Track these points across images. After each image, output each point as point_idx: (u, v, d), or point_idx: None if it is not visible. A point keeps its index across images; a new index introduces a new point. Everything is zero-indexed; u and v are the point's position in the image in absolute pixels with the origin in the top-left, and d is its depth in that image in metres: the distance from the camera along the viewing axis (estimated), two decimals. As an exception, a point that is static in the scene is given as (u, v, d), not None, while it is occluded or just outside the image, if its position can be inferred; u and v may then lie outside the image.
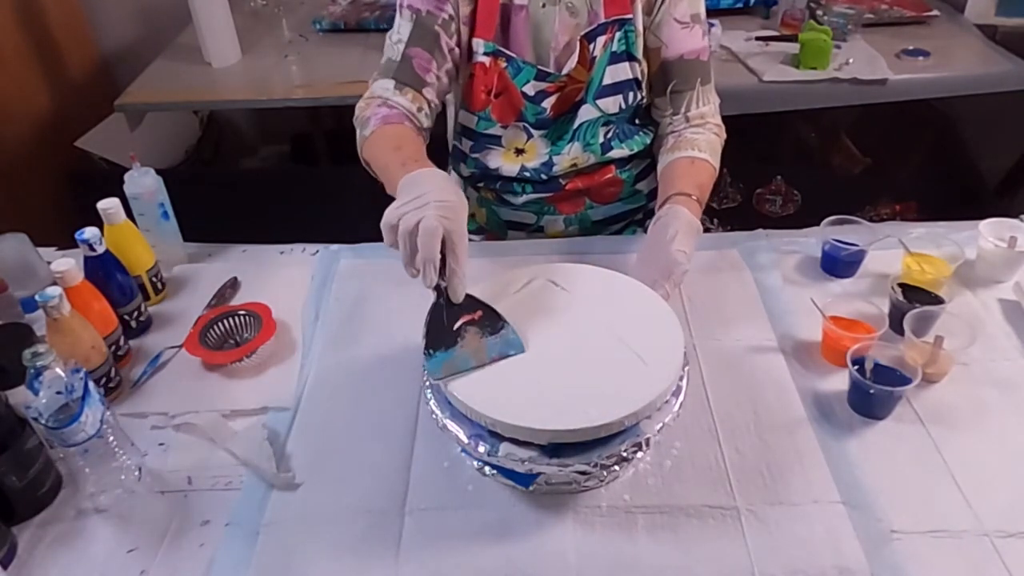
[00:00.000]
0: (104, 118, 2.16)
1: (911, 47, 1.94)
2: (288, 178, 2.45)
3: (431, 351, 0.83)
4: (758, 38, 2.02)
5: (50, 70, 2.27)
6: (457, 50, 1.15)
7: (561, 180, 1.25)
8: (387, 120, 1.09)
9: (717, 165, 1.18)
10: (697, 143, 1.17)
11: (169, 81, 2.04)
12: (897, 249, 1.13)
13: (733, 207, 2.44)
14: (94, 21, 2.51)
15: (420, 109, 1.14)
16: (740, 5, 2.15)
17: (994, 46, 1.96)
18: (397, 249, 0.83)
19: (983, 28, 2.03)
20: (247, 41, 2.14)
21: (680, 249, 1.01)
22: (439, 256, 0.81)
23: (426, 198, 0.83)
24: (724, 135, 1.22)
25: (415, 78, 1.13)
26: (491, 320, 0.85)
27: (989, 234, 1.13)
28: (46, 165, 2.18)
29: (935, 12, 2.10)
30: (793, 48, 1.89)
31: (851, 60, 1.87)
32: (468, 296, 0.86)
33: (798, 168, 2.48)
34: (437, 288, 0.84)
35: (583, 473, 0.80)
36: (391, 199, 0.90)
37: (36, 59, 2.21)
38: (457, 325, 0.84)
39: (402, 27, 1.14)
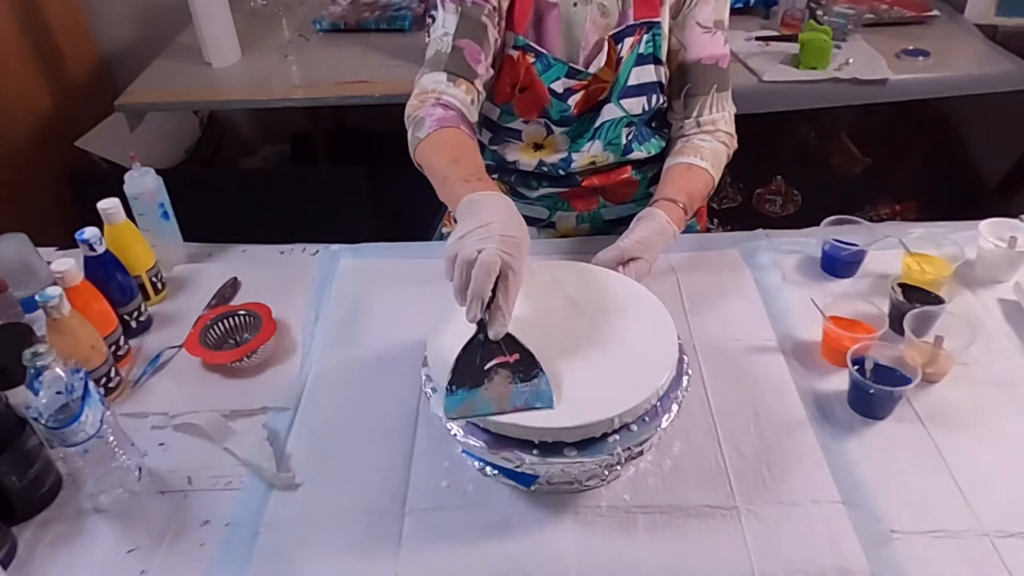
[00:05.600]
0: (104, 118, 2.16)
1: (911, 47, 1.94)
2: (288, 178, 2.44)
3: (453, 387, 0.79)
4: (758, 38, 2.02)
5: (50, 70, 2.27)
6: (500, 43, 1.16)
7: (578, 177, 1.25)
8: (443, 123, 1.06)
9: (717, 174, 1.19)
10: (702, 150, 1.18)
11: (169, 81, 2.04)
12: (897, 249, 1.13)
13: (733, 207, 2.44)
14: (94, 21, 2.51)
15: (473, 101, 1.11)
16: (740, 5, 2.15)
17: (994, 46, 1.96)
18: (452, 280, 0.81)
19: (983, 28, 2.03)
20: (247, 41, 2.14)
21: (636, 241, 1.05)
22: (490, 292, 0.78)
23: (491, 229, 0.80)
24: (734, 144, 1.23)
25: (467, 68, 1.10)
26: (527, 366, 0.80)
27: (989, 234, 1.13)
28: (46, 165, 2.18)
29: (935, 12, 2.10)
30: (793, 48, 1.89)
31: (851, 60, 1.87)
32: (508, 336, 0.81)
33: (798, 168, 2.48)
34: (480, 323, 0.80)
35: (576, 471, 0.80)
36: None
37: (36, 59, 2.21)
38: (489, 365, 0.80)
39: (447, 20, 1.11)
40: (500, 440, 0.79)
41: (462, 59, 1.09)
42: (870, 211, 2.34)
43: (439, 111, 1.07)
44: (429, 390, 0.85)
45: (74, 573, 0.81)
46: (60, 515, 0.86)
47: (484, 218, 0.82)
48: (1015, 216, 1.18)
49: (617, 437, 0.78)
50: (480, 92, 1.13)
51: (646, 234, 1.06)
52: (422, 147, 1.06)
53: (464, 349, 0.81)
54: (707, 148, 1.18)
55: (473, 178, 0.95)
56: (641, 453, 0.81)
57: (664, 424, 0.80)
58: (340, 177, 2.26)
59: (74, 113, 2.26)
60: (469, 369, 0.80)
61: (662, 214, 1.09)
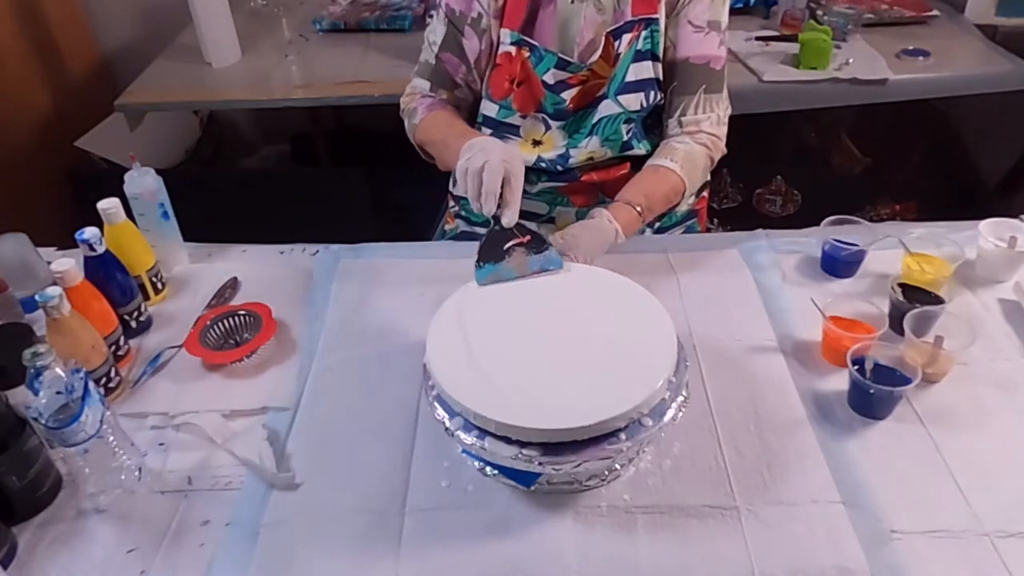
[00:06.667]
0: (104, 118, 2.16)
1: (911, 47, 1.94)
2: (288, 178, 2.44)
3: (481, 263, 0.97)
4: (758, 38, 2.02)
5: (50, 70, 2.27)
6: (485, 49, 1.20)
7: (577, 172, 1.26)
8: (433, 107, 1.23)
9: (689, 176, 1.17)
10: (675, 152, 1.18)
11: (169, 81, 2.04)
12: (897, 249, 1.13)
13: (733, 207, 2.44)
14: (94, 21, 2.51)
15: (457, 106, 1.26)
16: (740, 5, 2.15)
17: (994, 46, 1.96)
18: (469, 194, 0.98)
19: (983, 28, 2.03)
20: (247, 41, 2.13)
21: (561, 237, 1.08)
22: (499, 190, 0.96)
23: (490, 148, 0.98)
24: (720, 147, 1.22)
25: (448, 81, 1.25)
26: (537, 243, 0.99)
27: (989, 234, 1.13)
28: (46, 165, 2.18)
29: (935, 12, 2.10)
30: (793, 48, 1.89)
31: (851, 60, 1.87)
32: (519, 224, 0.99)
33: (798, 168, 2.48)
34: (495, 217, 0.99)
35: (580, 471, 0.80)
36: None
37: (36, 59, 2.21)
38: (507, 246, 0.98)
39: (436, 29, 1.22)
40: (500, 440, 0.79)
41: (443, 71, 1.24)
42: (870, 211, 2.34)
43: (427, 100, 1.25)
44: (437, 407, 0.84)
45: (74, 573, 0.81)
46: (60, 515, 0.86)
47: (482, 145, 1.00)
48: (1015, 216, 1.18)
49: (619, 436, 0.79)
50: (463, 98, 1.27)
51: (575, 231, 1.09)
52: (420, 128, 1.24)
53: (485, 237, 0.99)
54: (681, 150, 1.18)
55: (468, 133, 1.12)
56: (681, 415, 0.83)
57: (686, 380, 0.85)
58: (340, 177, 2.26)
59: (74, 113, 2.26)
60: (492, 249, 0.98)
61: (605, 214, 1.11)
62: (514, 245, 0.98)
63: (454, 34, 1.19)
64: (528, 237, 0.99)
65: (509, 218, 0.99)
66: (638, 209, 1.12)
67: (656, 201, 1.16)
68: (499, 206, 0.98)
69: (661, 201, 1.17)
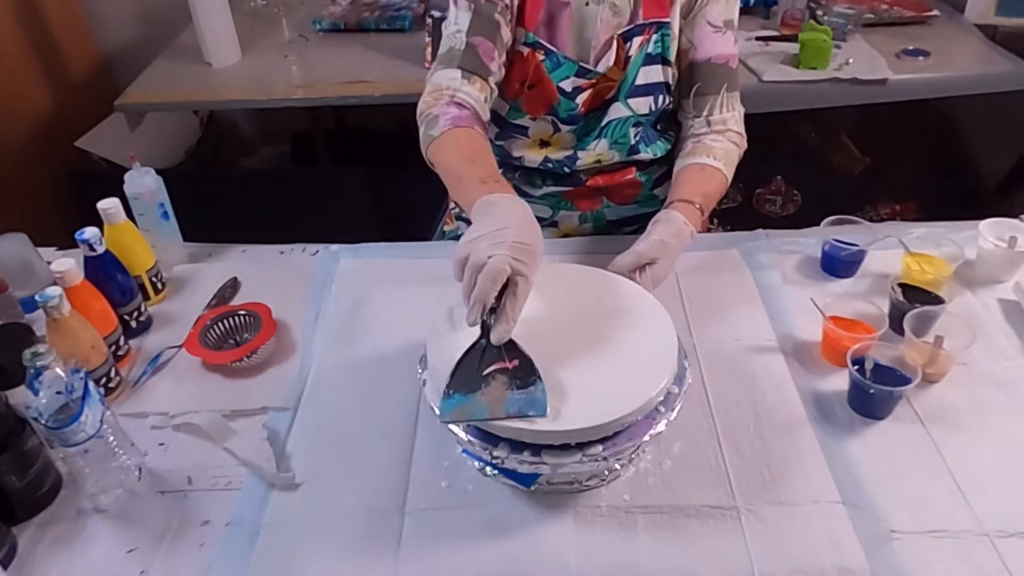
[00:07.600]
0: (104, 118, 2.16)
1: (911, 47, 1.94)
2: (288, 178, 2.45)
3: (451, 391, 0.79)
4: (758, 38, 2.02)
5: (50, 70, 2.27)
6: (511, 40, 1.15)
7: (582, 176, 1.25)
8: (457, 122, 1.05)
9: (730, 174, 1.18)
10: (714, 151, 1.17)
11: (169, 81, 2.04)
12: (897, 249, 1.13)
13: (733, 207, 2.44)
14: (94, 21, 2.52)
15: (486, 99, 1.11)
16: (740, 5, 2.15)
17: (994, 46, 1.96)
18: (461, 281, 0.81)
19: (983, 28, 2.04)
20: (247, 41, 2.14)
21: (652, 245, 1.02)
22: (493, 299, 0.79)
23: (505, 235, 0.80)
24: (744, 144, 1.22)
25: (481, 66, 1.10)
26: (524, 373, 0.79)
27: (989, 234, 1.13)
28: (46, 165, 2.18)
29: (935, 12, 2.10)
30: (793, 48, 1.89)
31: (851, 60, 1.87)
32: (511, 342, 0.81)
33: (798, 168, 2.48)
34: (483, 326, 0.81)
35: (582, 471, 0.80)
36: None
37: (36, 59, 2.22)
38: (488, 370, 0.80)
39: (460, 17, 1.11)
40: (501, 441, 0.79)
41: (476, 56, 1.09)
42: (870, 211, 2.34)
43: (454, 109, 1.06)
44: (475, 443, 0.81)
45: (74, 573, 0.81)
46: (60, 515, 0.86)
47: (499, 222, 0.82)
48: (1015, 216, 1.18)
49: (619, 438, 0.79)
50: (493, 90, 1.13)
51: (662, 237, 1.04)
52: (435, 145, 1.05)
53: (466, 353, 0.81)
54: (719, 148, 1.17)
55: (490, 179, 0.95)
56: (690, 381, 0.84)
57: (686, 360, 0.86)
58: (340, 177, 2.26)
59: (74, 113, 2.26)
60: (467, 374, 0.80)
61: (679, 216, 1.07)
62: (496, 370, 0.79)
63: (483, 18, 1.10)
64: (516, 363, 0.80)
65: (500, 334, 0.79)
66: (699, 207, 1.10)
67: (710, 199, 1.14)
68: (492, 310, 0.80)
69: (713, 199, 1.15)
